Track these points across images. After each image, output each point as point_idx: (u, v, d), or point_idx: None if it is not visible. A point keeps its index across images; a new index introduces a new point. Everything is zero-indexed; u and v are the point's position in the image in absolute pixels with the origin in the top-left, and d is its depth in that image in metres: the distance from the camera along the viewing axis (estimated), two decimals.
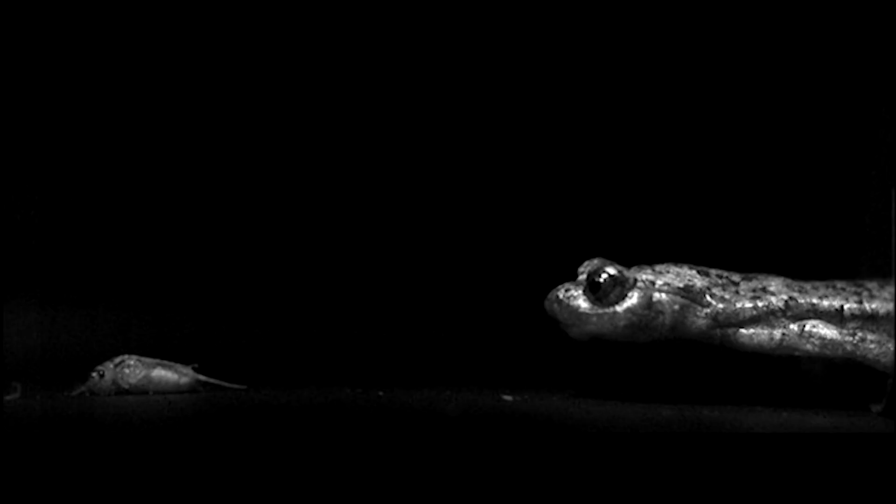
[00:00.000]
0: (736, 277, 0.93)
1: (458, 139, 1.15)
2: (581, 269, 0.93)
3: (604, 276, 0.91)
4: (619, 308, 0.91)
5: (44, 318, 1.07)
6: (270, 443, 0.74)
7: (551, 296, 0.92)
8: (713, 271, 0.93)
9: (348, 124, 1.14)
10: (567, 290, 0.92)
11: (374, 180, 1.14)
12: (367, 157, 1.14)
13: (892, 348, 0.90)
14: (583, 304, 0.91)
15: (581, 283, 0.92)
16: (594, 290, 0.91)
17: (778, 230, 1.11)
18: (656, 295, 0.91)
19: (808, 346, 0.91)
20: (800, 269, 0.95)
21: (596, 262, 0.92)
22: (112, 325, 1.10)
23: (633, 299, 0.91)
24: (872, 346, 0.91)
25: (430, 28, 1.12)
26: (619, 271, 0.91)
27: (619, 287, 0.91)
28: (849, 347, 0.91)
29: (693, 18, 1.12)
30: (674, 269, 0.92)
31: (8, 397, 0.88)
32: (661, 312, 0.91)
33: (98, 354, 0.93)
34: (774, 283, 0.93)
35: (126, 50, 1.09)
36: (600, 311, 0.91)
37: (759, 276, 0.93)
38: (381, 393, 0.93)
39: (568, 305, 0.91)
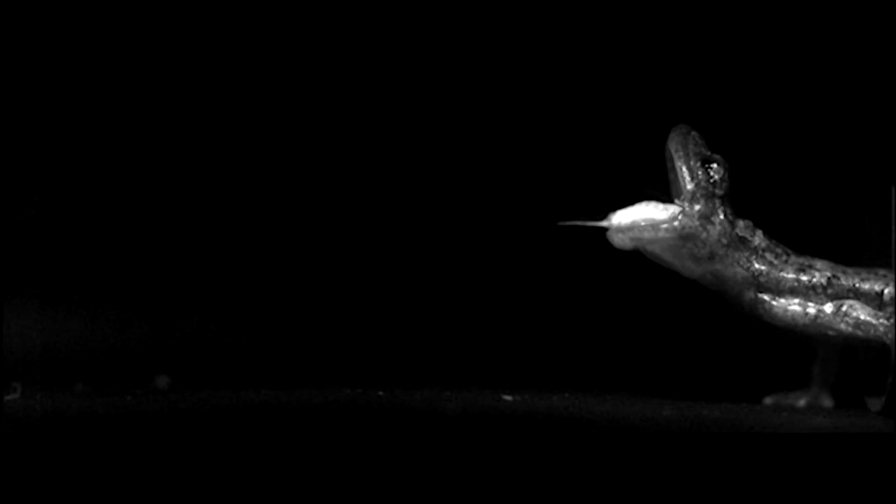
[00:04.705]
0: (790, 251, 0.93)
1: (459, 139, 1.15)
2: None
3: (716, 170, 0.91)
4: (691, 183, 0.91)
5: (44, 318, 1.07)
6: (270, 443, 0.74)
7: (688, 126, 0.92)
8: (775, 241, 0.93)
9: (344, 117, 1.14)
10: (700, 138, 0.92)
11: (371, 180, 1.14)
12: (365, 156, 1.14)
13: None
14: (687, 145, 0.91)
15: (706, 150, 0.92)
16: (705, 162, 0.91)
17: (778, 229, 1.11)
18: (716, 217, 0.91)
19: (842, 326, 0.92)
20: None
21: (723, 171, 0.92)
22: (112, 325, 1.10)
23: (698, 204, 0.91)
24: None
25: (430, 26, 1.12)
26: (722, 180, 0.91)
27: (709, 185, 0.91)
28: (881, 329, 0.91)
29: (694, 19, 1.12)
30: (748, 222, 0.92)
31: (8, 397, 0.88)
32: (708, 233, 0.90)
33: (98, 354, 0.93)
34: (820, 263, 0.93)
35: (125, 50, 1.09)
36: (684, 165, 0.91)
37: (807, 257, 0.94)
38: (381, 393, 0.93)
39: (683, 136, 0.91)
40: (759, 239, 0.92)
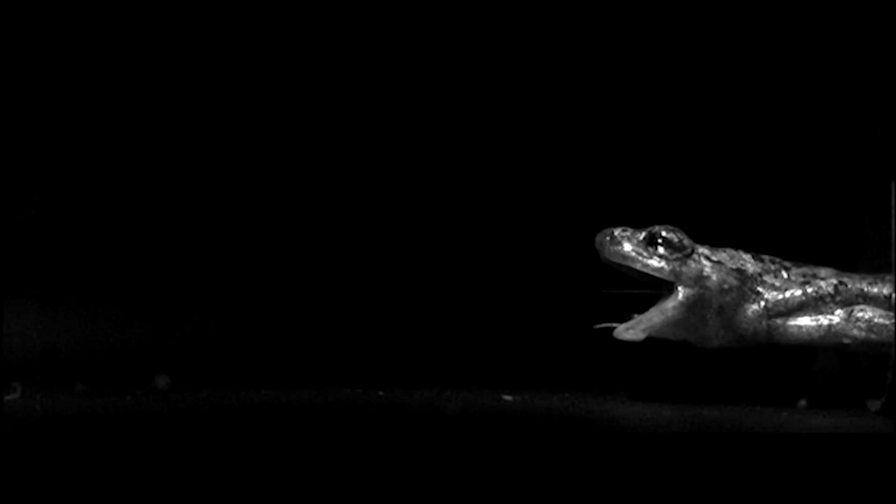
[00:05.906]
0: (787, 264, 0.93)
1: (459, 140, 1.15)
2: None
3: (669, 237, 0.90)
4: (664, 265, 0.90)
5: (44, 318, 1.07)
6: (270, 443, 0.74)
7: (606, 230, 0.92)
8: (766, 257, 0.93)
9: (346, 116, 1.14)
10: (624, 230, 0.91)
11: (371, 180, 1.14)
12: (365, 155, 1.14)
13: None
14: (627, 245, 0.91)
15: (640, 232, 0.91)
16: (653, 241, 0.91)
17: (777, 229, 1.11)
18: (706, 270, 0.90)
19: (856, 332, 0.92)
20: None
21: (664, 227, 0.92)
22: (112, 325, 1.10)
23: (684, 276, 0.90)
24: None
25: (436, 26, 1.12)
26: (681, 240, 0.91)
27: (677, 252, 0.90)
28: (893, 329, 0.91)
29: (694, 19, 1.12)
30: (729, 251, 0.92)
31: (8, 397, 0.88)
32: (709, 288, 0.90)
33: (98, 354, 0.93)
34: (824, 271, 0.93)
35: (126, 50, 1.09)
36: (646, 260, 0.90)
37: (809, 265, 0.94)
38: (381, 393, 0.93)
39: (618, 243, 0.91)
40: (750, 264, 0.92)
